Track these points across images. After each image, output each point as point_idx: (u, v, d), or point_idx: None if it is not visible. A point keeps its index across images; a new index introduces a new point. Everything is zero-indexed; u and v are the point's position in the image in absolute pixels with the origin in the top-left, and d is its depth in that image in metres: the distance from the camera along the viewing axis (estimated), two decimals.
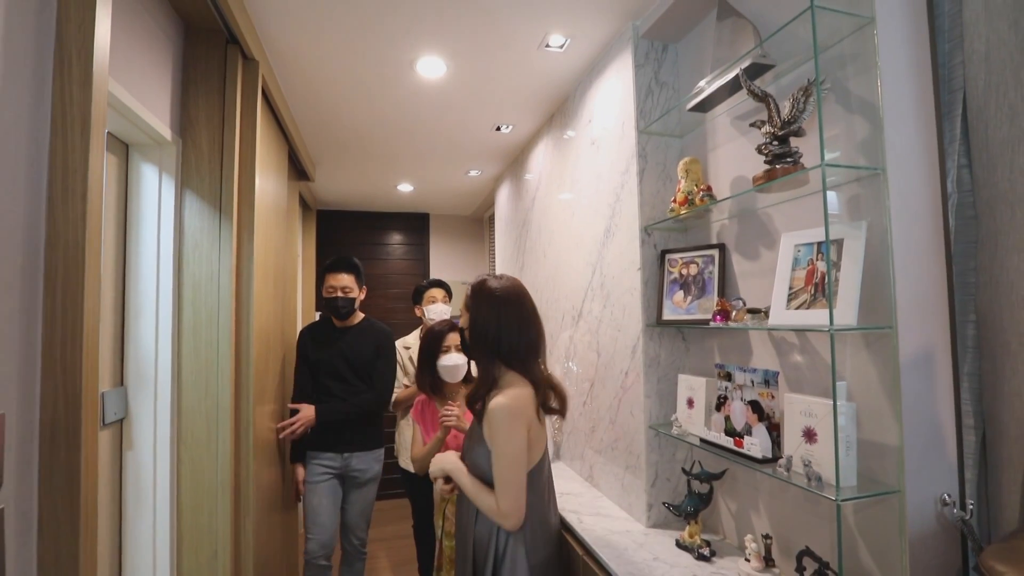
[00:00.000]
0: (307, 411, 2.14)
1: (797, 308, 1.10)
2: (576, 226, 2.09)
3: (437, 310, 2.50)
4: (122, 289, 1.48)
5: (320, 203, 3.98)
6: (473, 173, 3.22)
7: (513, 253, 3.02)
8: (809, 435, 1.08)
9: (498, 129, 2.50)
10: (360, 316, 2.35)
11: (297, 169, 2.80)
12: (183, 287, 1.55)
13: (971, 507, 0.99)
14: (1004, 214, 0.98)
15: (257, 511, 1.81)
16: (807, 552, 1.09)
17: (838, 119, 1.11)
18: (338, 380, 2.23)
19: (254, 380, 1.74)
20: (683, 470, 1.47)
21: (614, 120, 1.76)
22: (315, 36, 1.72)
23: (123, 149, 1.49)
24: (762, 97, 1.11)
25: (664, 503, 1.50)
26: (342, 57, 1.84)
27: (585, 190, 2.00)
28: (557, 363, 2.30)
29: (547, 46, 1.78)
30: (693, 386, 1.48)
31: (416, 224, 4.40)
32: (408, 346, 2.56)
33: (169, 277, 1.52)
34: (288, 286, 2.63)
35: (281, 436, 2.11)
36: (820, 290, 1.06)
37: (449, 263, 4.43)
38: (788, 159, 1.10)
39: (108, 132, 1.40)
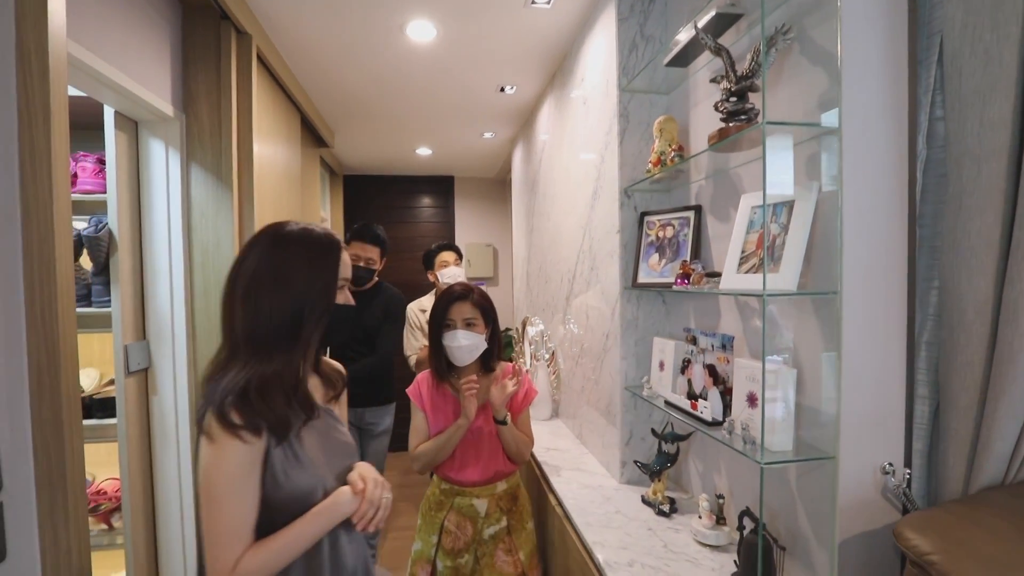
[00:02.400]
0: None
1: (747, 272, 1.08)
2: (571, 188, 2.07)
3: (451, 274, 2.46)
4: (139, 253, 1.65)
5: (346, 168, 4.11)
6: (487, 135, 3.21)
7: (525, 215, 3.03)
8: (752, 399, 1.07)
9: (502, 90, 2.47)
10: (374, 282, 2.38)
11: (315, 136, 2.91)
12: (193, 252, 1.70)
13: (907, 476, 0.97)
14: (970, 172, 0.90)
15: None
16: (747, 512, 1.11)
17: (802, 72, 1.04)
18: (347, 344, 2.29)
19: None
20: (652, 431, 1.49)
21: (600, 78, 1.71)
22: (305, 7, 1.76)
23: (132, 126, 1.62)
24: (716, 51, 1.06)
25: (635, 461, 1.54)
26: (332, 25, 1.87)
27: (578, 151, 1.97)
28: (560, 324, 2.34)
29: (533, 3, 1.73)
30: (664, 349, 1.48)
31: (441, 187, 4.45)
32: (424, 308, 2.57)
33: (180, 243, 1.67)
34: None
35: None
36: (770, 253, 1.03)
37: (474, 224, 4.48)
38: (742, 116, 1.05)
39: (116, 111, 1.54)
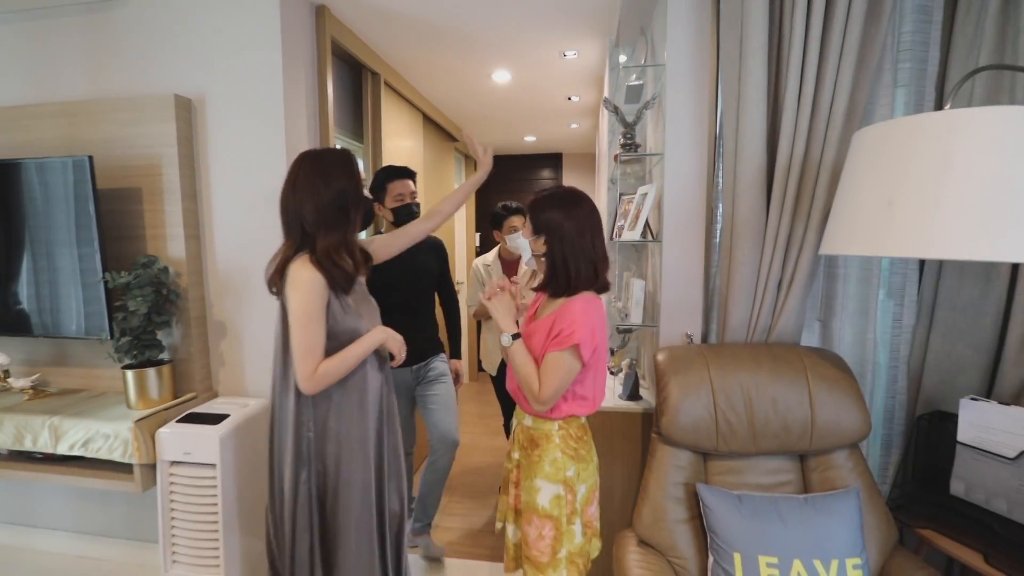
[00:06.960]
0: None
1: (629, 231, 2.01)
2: (603, 175, 2.99)
3: (518, 243, 2.63)
4: None
5: None
6: (574, 125, 4.15)
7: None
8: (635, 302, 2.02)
9: (569, 98, 3.42)
10: None
11: (445, 133, 4.19)
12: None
13: (691, 338, 1.84)
14: (725, 180, 1.71)
15: None
16: (631, 363, 2.08)
17: (659, 122, 1.90)
18: (402, 295, 2.15)
19: None
20: (616, 328, 2.47)
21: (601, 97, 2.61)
22: (432, 73, 2.97)
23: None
24: (612, 111, 1.97)
25: (610, 348, 2.54)
26: (442, 79, 3.06)
27: (604, 149, 2.89)
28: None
29: (564, 56, 2.68)
30: (633, 286, 2.42)
31: (551, 162, 5.50)
32: (488, 263, 2.74)
33: None
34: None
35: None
36: (636, 220, 1.95)
37: None
38: (629, 147, 1.96)
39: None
